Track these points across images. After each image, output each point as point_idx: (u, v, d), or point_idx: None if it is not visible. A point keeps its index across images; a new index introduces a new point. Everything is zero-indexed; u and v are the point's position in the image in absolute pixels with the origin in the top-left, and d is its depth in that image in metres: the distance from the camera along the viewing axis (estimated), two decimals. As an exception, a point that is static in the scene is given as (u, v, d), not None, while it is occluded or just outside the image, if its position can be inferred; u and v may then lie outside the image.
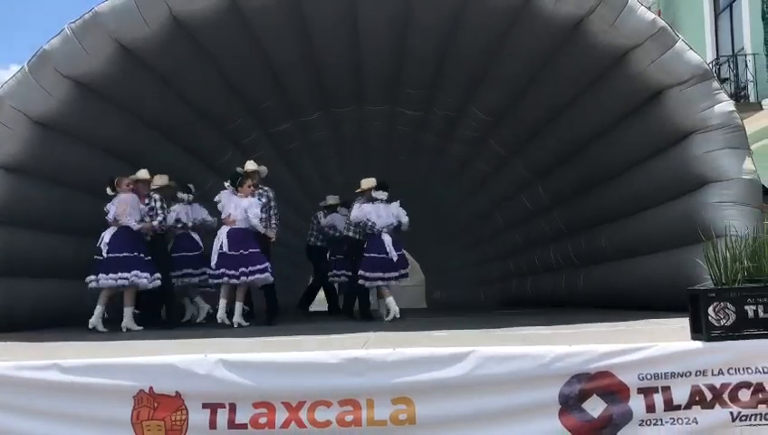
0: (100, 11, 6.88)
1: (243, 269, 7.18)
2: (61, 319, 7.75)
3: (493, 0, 7.28)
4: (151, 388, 3.86)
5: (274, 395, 3.86)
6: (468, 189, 13.28)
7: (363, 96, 10.42)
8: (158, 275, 7.36)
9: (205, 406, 3.84)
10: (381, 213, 7.97)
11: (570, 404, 3.88)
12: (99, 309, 7.18)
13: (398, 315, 7.81)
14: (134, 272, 7.15)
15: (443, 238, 16.81)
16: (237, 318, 7.27)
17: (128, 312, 7.26)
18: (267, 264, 7.35)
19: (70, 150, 7.71)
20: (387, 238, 7.86)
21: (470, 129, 10.87)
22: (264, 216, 7.72)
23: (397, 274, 7.99)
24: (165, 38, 7.24)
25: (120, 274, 7.10)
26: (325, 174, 13.55)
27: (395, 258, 7.89)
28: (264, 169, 8.05)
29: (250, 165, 7.87)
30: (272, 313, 8.23)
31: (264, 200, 7.90)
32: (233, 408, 3.84)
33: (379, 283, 7.97)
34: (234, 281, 7.22)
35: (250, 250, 7.24)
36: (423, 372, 3.90)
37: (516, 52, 8.19)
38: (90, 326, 7.08)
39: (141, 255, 7.30)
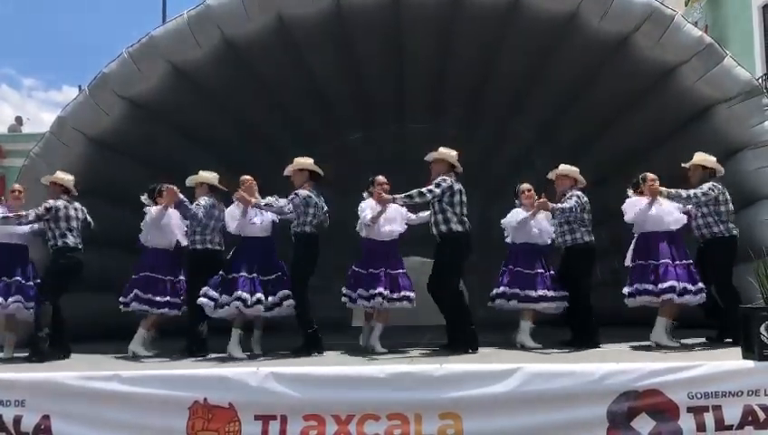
0: (156, 35, 7.24)
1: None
2: (110, 332, 7.92)
3: (537, 16, 7.31)
4: (206, 399, 3.98)
5: (324, 408, 3.94)
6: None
7: (405, 113, 10.50)
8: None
9: (257, 418, 3.95)
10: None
11: (618, 422, 3.86)
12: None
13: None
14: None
15: (485, 256, 16.68)
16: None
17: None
18: None
19: (118, 166, 7.94)
20: None
21: (513, 146, 10.83)
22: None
23: None
24: (215, 59, 7.48)
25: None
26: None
27: None
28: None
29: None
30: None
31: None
32: (284, 420, 3.93)
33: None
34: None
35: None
36: (470, 387, 3.94)
37: (561, 68, 8.17)
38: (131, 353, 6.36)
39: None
